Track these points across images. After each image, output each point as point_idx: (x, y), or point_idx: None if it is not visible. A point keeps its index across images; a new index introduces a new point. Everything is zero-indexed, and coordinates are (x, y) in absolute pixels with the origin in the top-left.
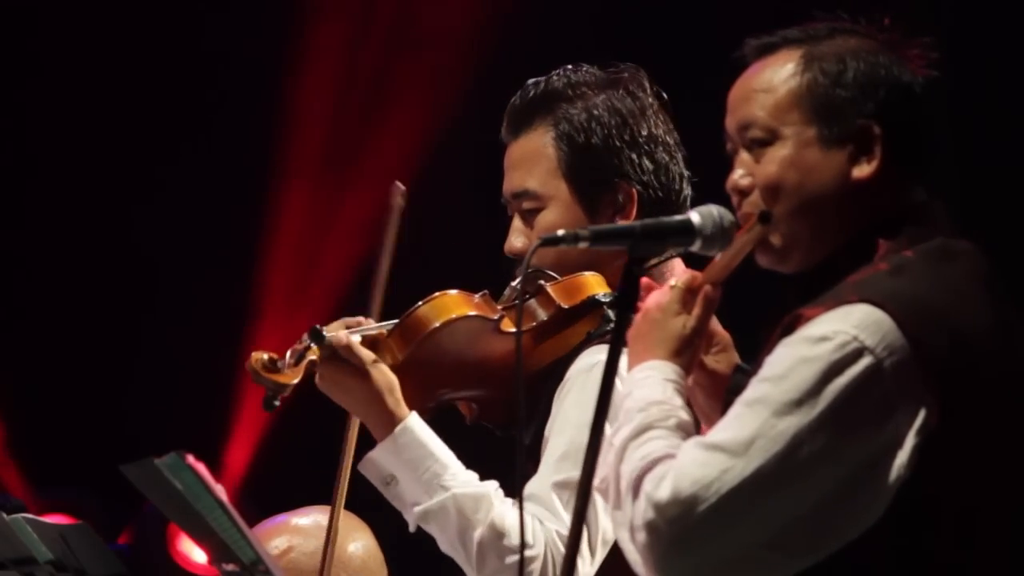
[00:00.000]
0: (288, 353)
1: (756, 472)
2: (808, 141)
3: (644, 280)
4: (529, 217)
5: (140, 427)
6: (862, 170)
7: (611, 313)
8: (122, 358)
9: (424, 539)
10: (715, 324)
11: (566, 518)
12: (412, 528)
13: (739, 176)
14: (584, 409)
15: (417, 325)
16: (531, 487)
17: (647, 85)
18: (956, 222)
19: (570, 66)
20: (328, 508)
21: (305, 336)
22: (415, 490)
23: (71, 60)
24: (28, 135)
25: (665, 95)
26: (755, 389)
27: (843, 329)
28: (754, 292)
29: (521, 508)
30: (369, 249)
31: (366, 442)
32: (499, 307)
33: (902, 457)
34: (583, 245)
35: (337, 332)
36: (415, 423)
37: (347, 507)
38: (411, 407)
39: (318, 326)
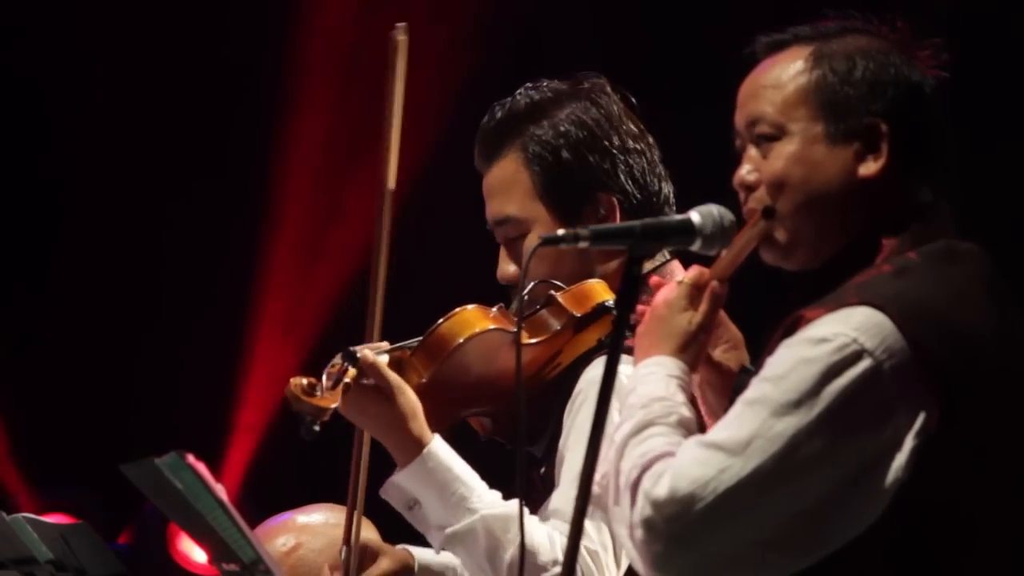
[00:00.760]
0: (324, 377)
1: (754, 472)
2: (815, 138)
3: (654, 279)
4: (514, 244)
5: (140, 427)
6: (868, 168)
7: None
8: (123, 358)
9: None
10: (726, 321)
11: (592, 533)
12: (437, 551)
13: (746, 171)
14: None
15: (441, 342)
16: (555, 503)
17: (610, 91)
18: (961, 223)
19: (530, 84)
20: (334, 506)
21: (338, 358)
22: (441, 513)
23: (76, 67)
24: (26, 135)
25: (632, 98)
26: (755, 389)
27: (843, 331)
28: (760, 291)
29: (521, 511)
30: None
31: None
32: (514, 319)
33: (900, 459)
34: (583, 245)
35: (365, 353)
36: (440, 447)
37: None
38: (435, 426)
39: (351, 347)
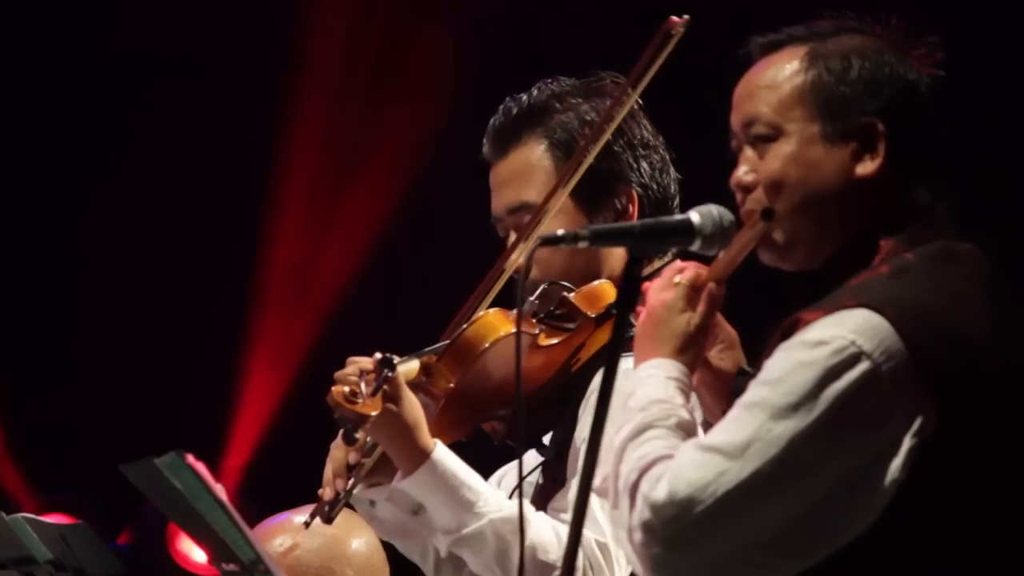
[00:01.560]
0: (363, 384)
1: (752, 475)
2: (811, 138)
3: (646, 286)
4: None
5: (140, 427)
6: (865, 167)
7: (633, 319)
8: (122, 358)
9: None
10: (721, 322)
11: (605, 525)
12: (444, 553)
13: (743, 172)
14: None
15: (468, 347)
16: (570, 497)
17: (629, 91)
18: (960, 223)
19: (548, 80)
20: None
21: (377, 366)
22: (447, 518)
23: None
24: (25, 134)
25: (640, 101)
26: (753, 392)
27: (841, 334)
28: (758, 292)
29: (521, 509)
30: (366, 249)
31: None
32: (535, 321)
33: (898, 460)
34: (583, 245)
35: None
36: (444, 454)
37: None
38: (457, 431)
39: (390, 355)
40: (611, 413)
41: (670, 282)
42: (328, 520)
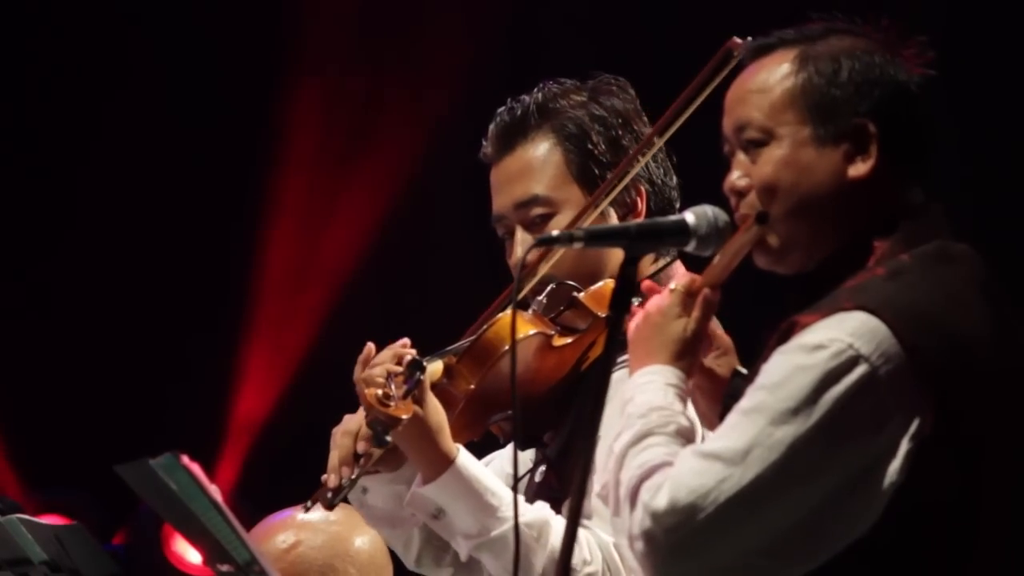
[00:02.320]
0: (393, 387)
1: (753, 481)
2: (803, 141)
3: (646, 283)
4: (538, 225)
5: (135, 428)
6: (858, 169)
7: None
8: (118, 358)
9: None
10: (716, 327)
11: None
12: (464, 557)
13: (736, 177)
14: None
15: (488, 348)
16: (593, 502)
17: (632, 93)
18: (959, 224)
19: (551, 80)
20: None
21: (407, 368)
22: (469, 522)
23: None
24: (21, 134)
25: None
26: (751, 397)
27: (839, 337)
28: (754, 296)
29: (516, 511)
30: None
31: None
32: (551, 322)
33: (896, 463)
34: (578, 246)
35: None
36: (467, 460)
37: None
38: (473, 431)
39: (419, 357)
40: (606, 418)
41: (666, 288)
42: (329, 507)
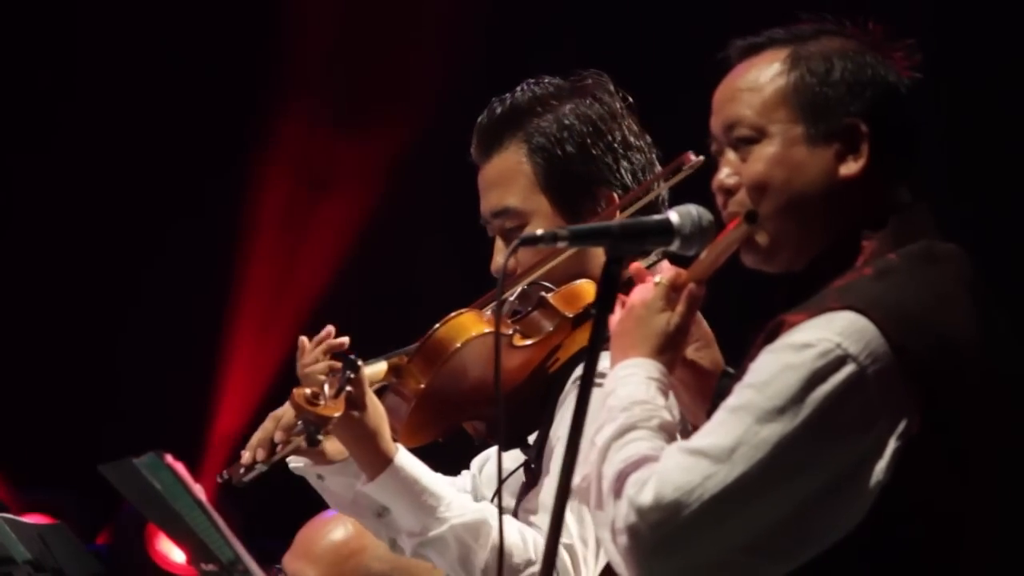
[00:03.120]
0: (326, 386)
1: (739, 479)
2: (795, 139)
3: (633, 266)
4: (512, 235)
5: (119, 427)
6: (849, 168)
7: None
8: (102, 358)
9: None
10: (698, 319)
11: (572, 526)
12: (409, 554)
13: (725, 175)
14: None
15: (438, 348)
16: (541, 496)
17: (612, 90)
18: (948, 224)
19: (532, 80)
20: None
21: (340, 366)
22: (411, 521)
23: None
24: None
25: (631, 99)
26: (739, 395)
27: (826, 336)
28: (741, 294)
29: (500, 515)
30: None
31: None
32: (510, 322)
33: (883, 463)
34: (562, 245)
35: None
36: (406, 459)
37: None
38: (432, 431)
39: (352, 356)
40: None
41: (651, 282)
42: (240, 483)
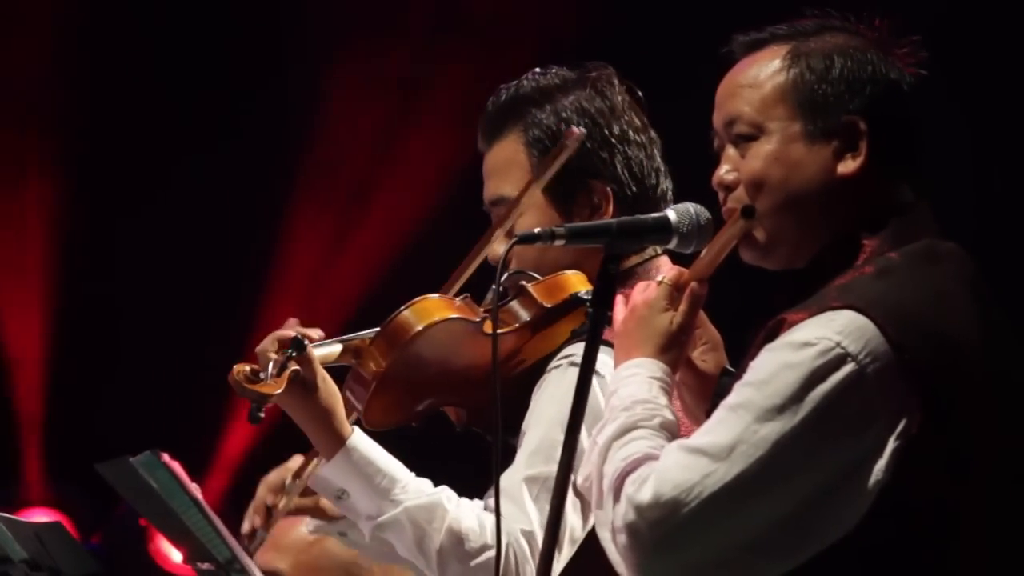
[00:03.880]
0: (270, 364)
1: (737, 477)
2: (793, 136)
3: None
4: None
5: (118, 426)
6: (847, 166)
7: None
8: (100, 358)
9: None
10: (705, 323)
11: (532, 513)
12: (368, 539)
13: (724, 171)
14: (558, 403)
15: (399, 331)
16: (504, 480)
17: (616, 82)
18: (952, 223)
19: (538, 69)
20: None
21: (289, 347)
22: (368, 504)
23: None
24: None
25: (639, 92)
26: (738, 394)
27: (826, 335)
28: (742, 293)
29: (499, 513)
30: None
31: None
32: (481, 310)
33: (882, 462)
34: (559, 243)
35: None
36: (360, 441)
37: None
38: (397, 415)
39: (300, 336)
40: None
41: (653, 281)
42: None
